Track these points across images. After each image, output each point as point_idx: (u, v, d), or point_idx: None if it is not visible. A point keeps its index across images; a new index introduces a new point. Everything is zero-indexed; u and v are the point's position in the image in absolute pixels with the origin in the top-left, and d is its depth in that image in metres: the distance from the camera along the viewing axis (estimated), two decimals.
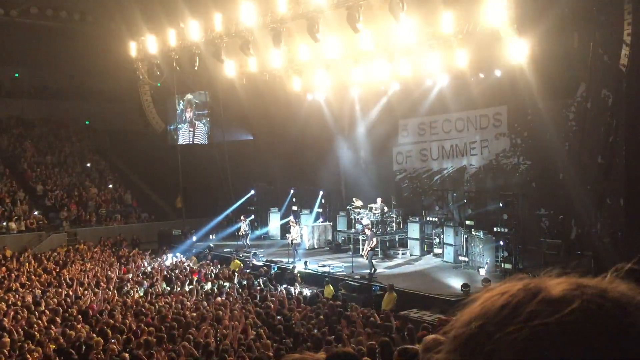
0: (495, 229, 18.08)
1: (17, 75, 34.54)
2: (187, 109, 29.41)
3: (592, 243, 16.69)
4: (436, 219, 21.17)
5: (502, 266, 17.60)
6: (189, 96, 29.13)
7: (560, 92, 18.38)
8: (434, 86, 21.30)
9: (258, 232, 26.11)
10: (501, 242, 17.91)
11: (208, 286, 17.22)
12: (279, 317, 12.79)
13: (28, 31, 30.20)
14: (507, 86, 19.25)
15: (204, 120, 28.89)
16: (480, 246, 17.83)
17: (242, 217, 24.27)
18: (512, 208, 18.22)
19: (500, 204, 18.60)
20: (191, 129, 29.26)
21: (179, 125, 29.64)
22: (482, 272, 17.11)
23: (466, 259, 18.62)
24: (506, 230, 17.90)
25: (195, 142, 29.28)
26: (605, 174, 16.85)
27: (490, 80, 19.58)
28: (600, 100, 17.09)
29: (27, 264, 20.65)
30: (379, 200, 21.37)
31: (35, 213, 26.62)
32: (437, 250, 20.44)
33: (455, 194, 22.21)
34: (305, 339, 10.91)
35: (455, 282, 16.27)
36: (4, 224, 25.31)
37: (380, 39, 18.51)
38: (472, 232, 18.42)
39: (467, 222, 19.44)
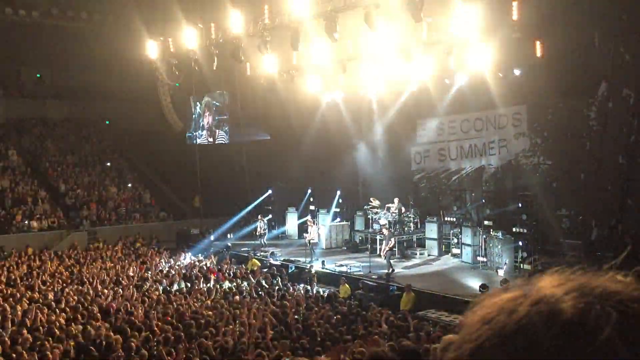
0: (514, 230, 17.92)
1: (38, 75, 35.00)
2: (206, 112, 29.57)
3: (613, 244, 16.47)
4: (454, 219, 21.06)
5: (521, 267, 17.45)
6: (207, 98, 29.29)
7: (581, 91, 18.16)
8: (452, 86, 21.16)
9: (275, 232, 26.17)
10: (520, 243, 17.75)
11: (226, 285, 17.30)
12: (296, 317, 12.81)
13: (49, 32, 30.59)
14: (527, 85, 19.06)
15: (225, 128, 28.93)
16: (499, 247, 17.69)
17: (259, 217, 24.35)
18: (531, 208, 18.05)
19: (519, 204, 18.44)
20: (210, 138, 29.39)
21: (196, 133, 29.77)
22: (501, 272, 16.98)
23: (485, 259, 18.49)
24: (525, 230, 17.74)
25: (211, 141, 29.42)
26: (627, 174, 16.62)
27: (509, 79, 19.39)
28: (622, 100, 16.86)
29: (48, 262, 20.92)
30: (396, 200, 21.31)
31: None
32: (455, 251, 20.32)
33: (473, 194, 22.05)
34: (322, 339, 10.91)
35: (474, 283, 16.16)
36: (26, 222, 25.68)
37: (398, 38, 18.45)
38: (491, 233, 18.29)
39: (486, 223, 19.30)
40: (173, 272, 19.02)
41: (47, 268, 19.86)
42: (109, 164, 32.19)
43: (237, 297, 15.20)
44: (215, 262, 21.40)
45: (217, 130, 29.24)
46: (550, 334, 0.76)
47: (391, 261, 18.23)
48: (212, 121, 29.47)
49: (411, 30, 17.38)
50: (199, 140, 29.68)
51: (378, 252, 19.70)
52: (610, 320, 0.76)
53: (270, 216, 25.55)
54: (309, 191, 25.86)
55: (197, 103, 29.62)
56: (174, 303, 14.39)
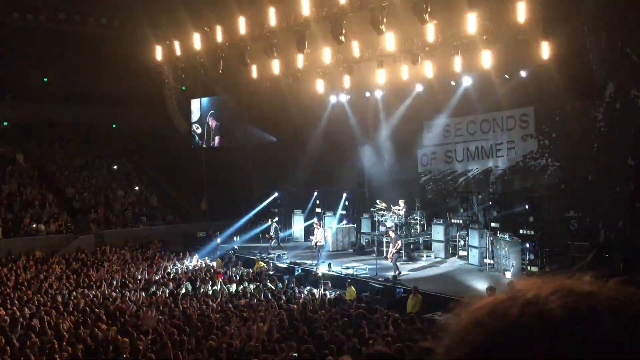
0: (521, 232, 17.85)
1: (45, 80, 35.16)
2: (212, 115, 29.66)
3: (621, 246, 16.38)
4: (461, 221, 21.00)
5: (529, 269, 17.37)
6: (212, 101, 29.35)
7: (588, 92, 18.08)
8: (458, 87, 21.14)
9: (282, 234, 26.17)
10: (527, 245, 17.68)
11: (233, 288, 17.31)
12: (303, 319, 12.80)
13: (56, 36, 30.75)
14: (534, 87, 19.01)
15: (231, 131, 28.97)
16: (506, 249, 17.62)
17: (270, 219, 24.42)
18: (539, 210, 17.97)
19: (527, 206, 18.37)
20: (216, 141, 29.46)
21: (202, 136, 29.83)
22: (508, 275, 16.91)
23: (492, 261, 18.43)
24: (533, 232, 17.66)
25: (217, 144, 29.49)
26: (635, 175, 16.53)
27: (515, 81, 19.35)
28: (630, 101, 16.79)
29: (55, 265, 21.00)
30: (401, 202, 21.27)
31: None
32: (462, 253, 20.26)
33: (480, 196, 21.99)
34: (329, 341, 10.89)
35: (481, 285, 16.10)
36: (34, 226, 25.78)
37: (404, 40, 18.44)
38: (498, 235, 18.22)
39: (493, 225, 19.24)
40: (180, 275, 19.06)
41: (54, 271, 19.93)
42: (115, 167, 32.29)
43: (244, 300, 15.21)
44: (221, 265, 21.42)
45: (223, 133, 29.30)
46: (541, 334, 0.77)
47: (398, 264, 18.19)
48: (218, 124, 29.53)
49: (417, 32, 17.37)
50: (204, 144, 29.75)
51: (384, 255, 19.67)
52: (602, 319, 0.77)
53: (277, 219, 25.55)
54: (315, 194, 25.86)
55: (203, 106, 29.67)
56: (181, 306, 14.41)
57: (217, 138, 29.74)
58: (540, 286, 0.84)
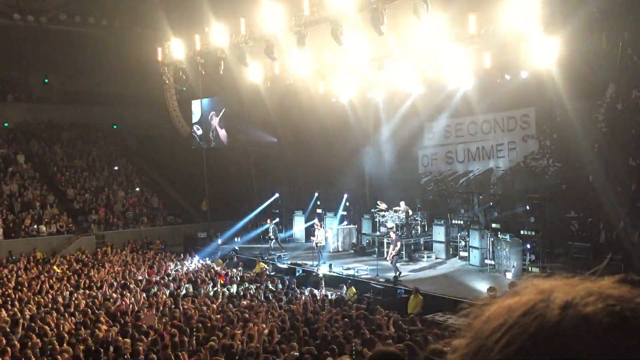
0: (522, 232, 17.84)
1: (46, 80, 35.20)
2: (212, 116, 29.67)
3: (622, 246, 16.36)
4: (462, 222, 20.98)
5: (530, 270, 17.35)
6: (213, 102, 29.36)
7: (589, 93, 18.08)
8: (459, 88, 21.13)
9: (283, 235, 26.15)
10: (528, 246, 17.67)
11: (233, 289, 17.31)
12: (304, 320, 12.80)
13: (57, 37, 30.78)
14: (534, 87, 19.00)
15: (231, 132, 28.99)
16: (507, 249, 17.60)
17: (268, 220, 24.38)
18: (540, 211, 17.96)
19: (528, 207, 18.35)
20: (217, 142, 29.48)
21: (202, 136, 29.85)
22: (509, 275, 16.89)
23: (493, 262, 18.41)
24: (533, 233, 17.65)
25: (218, 145, 29.50)
26: (637, 176, 16.52)
27: (516, 81, 19.34)
28: (631, 101, 16.78)
29: (56, 266, 21.01)
30: (402, 203, 21.27)
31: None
32: (463, 254, 20.25)
33: (481, 197, 21.98)
34: (330, 342, 10.89)
35: (482, 286, 16.09)
36: (35, 227, 25.80)
37: (404, 41, 18.43)
38: (499, 235, 18.20)
39: (494, 225, 19.22)
40: (181, 276, 19.06)
41: (55, 272, 19.94)
42: (116, 168, 32.31)
43: (245, 301, 15.21)
44: (222, 266, 21.42)
45: (224, 134, 29.31)
46: (589, 339, 0.76)
47: (398, 264, 18.19)
48: (218, 125, 29.55)
49: (418, 32, 17.35)
50: (205, 144, 29.76)
51: (385, 256, 19.66)
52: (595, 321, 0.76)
53: (277, 220, 25.55)
54: (316, 194, 25.85)
55: (204, 107, 29.69)
56: (182, 307, 14.41)
57: (217, 138, 29.70)
58: (564, 287, 0.83)
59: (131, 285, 17.47)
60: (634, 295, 0.81)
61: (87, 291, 16.77)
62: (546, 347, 0.77)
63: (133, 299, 15.62)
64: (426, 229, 21.87)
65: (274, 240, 23.78)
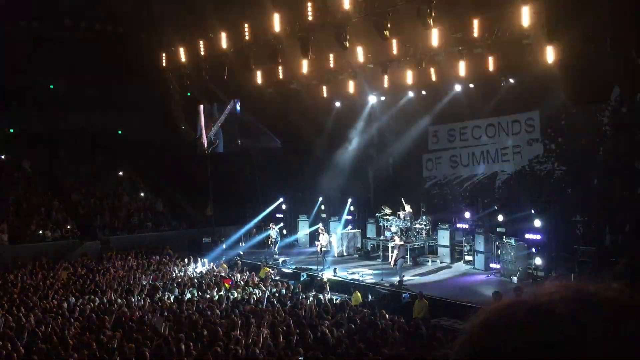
0: (527, 236, 17.78)
1: (51, 87, 35.32)
2: (217, 121, 29.71)
3: (628, 250, 16.29)
4: (466, 226, 20.93)
5: (535, 274, 17.30)
6: (217, 107, 29.40)
7: (594, 96, 18.02)
8: (463, 92, 21.13)
9: (287, 240, 26.14)
10: (534, 250, 17.61)
11: (238, 293, 17.29)
12: (308, 325, 12.77)
13: (62, 43, 30.91)
14: (539, 91, 18.98)
15: (235, 136, 29.00)
16: (512, 253, 17.56)
17: (271, 225, 24.35)
18: (545, 214, 17.90)
19: (533, 211, 18.30)
20: (221, 147, 29.50)
21: (207, 141, 29.89)
22: (514, 279, 16.84)
23: (498, 266, 18.35)
24: (539, 237, 17.59)
25: (222, 150, 29.52)
26: None
27: (521, 85, 19.33)
28: (636, 104, 16.73)
29: (61, 271, 21.04)
30: (407, 207, 21.24)
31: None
32: (468, 258, 20.19)
33: (486, 201, 21.94)
34: (335, 347, 10.86)
35: (487, 290, 16.03)
36: (40, 232, 25.86)
37: (408, 45, 18.46)
38: (504, 239, 18.15)
39: (498, 229, 19.17)
40: (185, 281, 19.06)
41: (60, 277, 19.97)
42: (121, 173, 32.38)
43: (249, 306, 15.19)
44: (227, 271, 21.41)
45: (228, 139, 29.33)
46: (545, 336, 0.82)
47: (401, 269, 18.15)
48: (222, 130, 29.58)
49: (421, 37, 17.38)
50: (209, 149, 29.80)
51: (390, 260, 19.62)
52: (598, 322, 0.81)
53: (282, 224, 25.54)
54: (320, 199, 25.84)
55: (209, 112, 29.73)
56: (186, 312, 14.40)
57: (221, 143, 29.75)
58: (551, 291, 0.88)
59: (136, 291, 17.47)
60: (617, 295, 0.87)
61: (92, 296, 16.78)
62: (507, 342, 0.84)
63: (138, 304, 15.63)
64: (431, 233, 21.83)
65: (277, 245, 23.78)
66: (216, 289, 17.68)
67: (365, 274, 18.96)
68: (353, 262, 21.86)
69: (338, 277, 19.19)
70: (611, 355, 0.78)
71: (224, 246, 25.47)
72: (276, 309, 14.68)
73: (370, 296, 17.19)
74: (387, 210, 21.98)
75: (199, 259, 23.35)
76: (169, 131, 31.25)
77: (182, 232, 28.67)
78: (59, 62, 31.96)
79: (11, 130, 32.69)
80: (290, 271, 20.93)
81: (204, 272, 21.07)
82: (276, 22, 18.82)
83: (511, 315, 0.86)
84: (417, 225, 21.55)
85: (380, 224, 22.38)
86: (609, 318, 0.81)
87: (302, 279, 19.82)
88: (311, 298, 16.55)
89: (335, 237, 23.00)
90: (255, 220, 27.12)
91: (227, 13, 21.47)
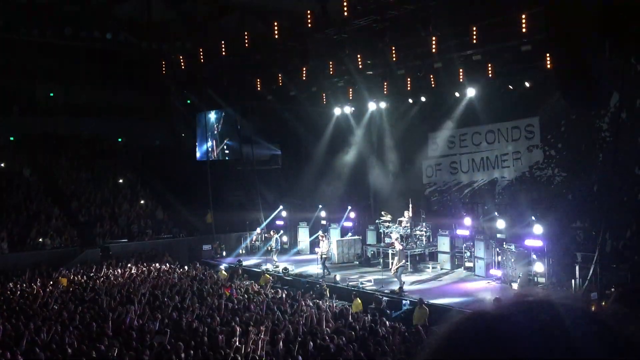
0: (527, 242, 17.76)
1: (52, 94, 35.41)
2: (217, 128, 29.76)
3: (629, 256, 16.26)
4: (467, 232, 20.91)
5: (535, 280, 17.26)
6: (218, 114, 29.46)
7: (593, 102, 18.03)
8: (462, 99, 21.17)
9: (287, 247, 26.12)
10: (534, 256, 17.58)
11: (238, 301, 17.24)
12: (308, 332, 12.73)
13: (62, 51, 31.00)
14: (538, 97, 19.01)
15: (236, 144, 29.07)
16: (513, 260, 17.53)
17: (271, 232, 24.33)
18: (545, 221, 17.88)
19: (533, 217, 18.29)
20: (221, 154, 29.54)
21: (207, 149, 29.94)
22: (515, 286, 16.80)
23: (498, 272, 18.32)
24: (539, 243, 17.56)
25: (222, 157, 29.55)
26: None
27: (520, 91, 19.36)
28: (635, 110, 16.75)
29: (61, 279, 20.99)
30: (406, 213, 21.23)
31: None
32: (468, 264, 20.15)
33: (486, 207, 21.93)
34: (335, 354, 10.83)
35: (487, 296, 16.00)
36: (40, 239, 25.82)
37: (408, 52, 18.50)
38: (504, 246, 18.13)
39: (499, 236, 19.15)
40: (185, 288, 19.01)
41: (60, 285, 19.92)
42: (121, 180, 32.37)
43: (249, 313, 15.15)
44: (227, 278, 21.37)
45: (228, 146, 29.38)
46: (470, 335, 0.92)
47: (402, 276, 18.11)
48: (222, 137, 29.62)
49: (421, 44, 17.42)
50: (210, 157, 29.82)
51: (390, 267, 19.59)
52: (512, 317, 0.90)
53: (282, 232, 25.52)
54: (320, 206, 25.83)
55: (209, 120, 29.78)
56: (186, 319, 14.36)
57: (222, 151, 29.79)
58: (512, 302, 0.96)
59: (135, 298, 17.42)
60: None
61: (92, 304, 16.73)
62: (449, 346, 0.94)
63: (137, 311, 15.58)
64: (431, 240, 21.80)
65: (277, 252, 23.78)
66: (217, 297, 17.63)
67: (365, 280, 18.92)
68: (353, 268, 21.83)
69: (338, 283, 19.16)
70: None
71: (224, 254, 25.44)
72: (276, 316, 14.63)
73: (372, 303, 17.14)
74: (387, 217, 21.96)
75: (199, 267, 23.27)
76: (169, 138, 31.29)
77: (182, 239, 28.64)
78: (59, 69, 32.07)
79: (11, 138, 32.74)
80: (290, 278, 20.89)
81: (204, 279, 20.99)
82: (276, 30, 18.88)
83: (469, 329, 0.93)
84: (417, 232, 21.53)
85: (381, 230, 22.36)
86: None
87: (302, 285, 19.78)
88: (311, 305, 16.51)
89: (336, 243, 22.98)
90: (256, 228, 27.10)
91: (227, 19, 21.56)
